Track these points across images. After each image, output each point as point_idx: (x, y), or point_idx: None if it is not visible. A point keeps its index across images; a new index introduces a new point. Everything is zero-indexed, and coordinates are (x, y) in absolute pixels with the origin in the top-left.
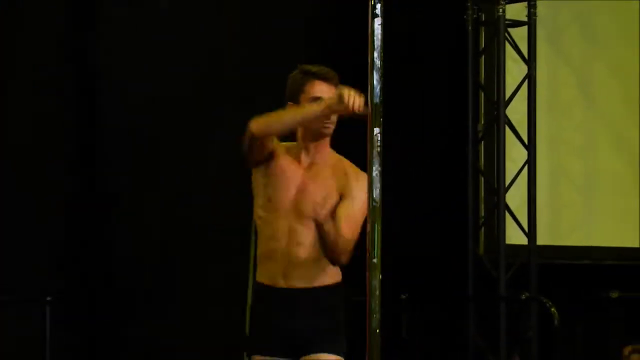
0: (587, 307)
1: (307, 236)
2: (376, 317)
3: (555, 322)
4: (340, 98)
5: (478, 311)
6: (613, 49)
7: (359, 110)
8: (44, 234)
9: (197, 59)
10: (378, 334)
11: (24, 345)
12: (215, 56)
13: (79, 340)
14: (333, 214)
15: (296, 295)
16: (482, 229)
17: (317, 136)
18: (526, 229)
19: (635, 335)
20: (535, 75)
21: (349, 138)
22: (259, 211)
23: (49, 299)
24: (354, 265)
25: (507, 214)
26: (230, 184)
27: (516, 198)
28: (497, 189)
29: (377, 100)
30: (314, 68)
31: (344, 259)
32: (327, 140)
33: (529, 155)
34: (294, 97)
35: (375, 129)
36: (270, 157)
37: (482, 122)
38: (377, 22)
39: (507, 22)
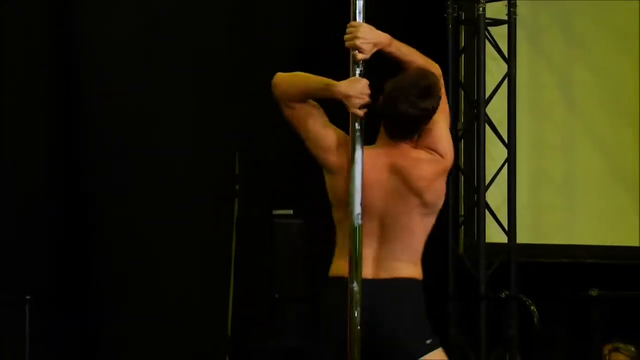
0: (567, 306)
1: None
2: (358, 313)
3: (535, 320)
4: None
5: (458, 310)
6: (594, 50)
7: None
8: (24, 233)
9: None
10: (359, 330)
11: (4, 344)
12: (201, 54)
13: (60, 339)
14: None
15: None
16: (462, 227)
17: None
18: (506, 227)
19: (615, 334)
20: (515, 74)
21: None
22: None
23: (28, 297)
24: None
25: (487, 213)
26: (212, 186)
27: (496, 197)
28: (477, 187)
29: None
30: None
31: None
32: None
33: (508, 153)
34: None
35: (355, 124)
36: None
37: (462, 121)
38: (359, 18)
39: (487, 20)
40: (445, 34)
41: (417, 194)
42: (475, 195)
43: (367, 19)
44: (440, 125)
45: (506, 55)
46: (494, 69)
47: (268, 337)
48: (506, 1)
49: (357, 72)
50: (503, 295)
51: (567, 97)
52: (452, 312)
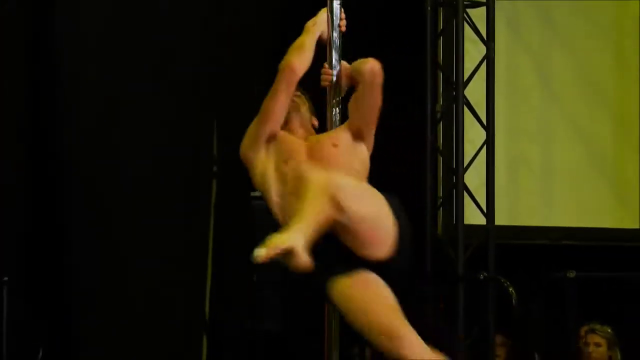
0: (545, 287)
1: None
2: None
3: (514, 301)
4: None
5: (436, 291)
6: (572, 35)
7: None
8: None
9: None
10: (338, 314)
11: None
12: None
13: (38, 321)
14: None
15: None
16: (441, 209)
17: None
18: (485, 209)
19: (592, 315)
20: (493, 57)
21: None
22: None
23: (5, 279)
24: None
25: (466, 195)
26: (189, 167)
27: (475, 179)
28: (456, 169)
29: (336, 78)
30: None
31: None
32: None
33: (487, 136)
34: None
35: (334, 109)
36: None
37: (441, 103)
38: (336, 2)
39: (465, 2)
40: (424, 16)
41: None
42: (454, 177)
43: (345, 3)
44: None
45: (485, 38)
46: (473, 51)
47: (246, 320)
48: None
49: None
50: (481, 276)
51: (544, 82)
52: (430, 293)
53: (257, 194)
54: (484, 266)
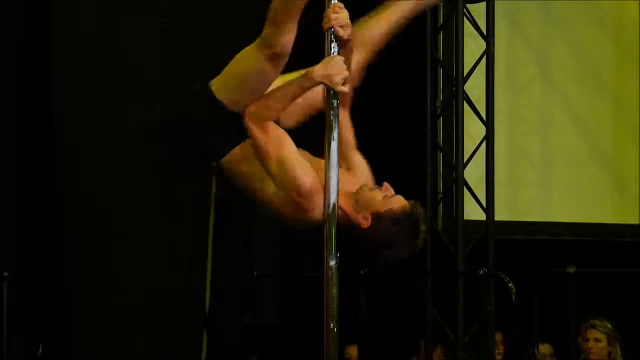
0: (545, 283)
1: None
2: (334, 291)
3: (513, 297)
4: None
5: (436, 287)
6: (571, 28)
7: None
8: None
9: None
10: (336, 307)
11: None
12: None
13: (37, 317)
14: None
15: None
16: (441, 204)
17: None
18: (484, 204)
19: (592, 310)
20: (493, 52)
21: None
22: None
23: (6, 274)
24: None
25: (466, 190)
26: (189, 160)
27: (474, 174)
28: (456, 164)
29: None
30: None
31: None
32: None
33: (487, 131)
34: None
35: (333, 100)
36: None
37: (441, 98)
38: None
39: None
40: (424, 11)
41: None
42: (454, 173)
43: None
44: None
45: (485, 33)
46: (473, 46)
47: (246, 314)
48: None
49: (333, 51)
50: (481, 272)
51: (545, 75)
52: (430, 288)
53: None
54: (483, 261)
